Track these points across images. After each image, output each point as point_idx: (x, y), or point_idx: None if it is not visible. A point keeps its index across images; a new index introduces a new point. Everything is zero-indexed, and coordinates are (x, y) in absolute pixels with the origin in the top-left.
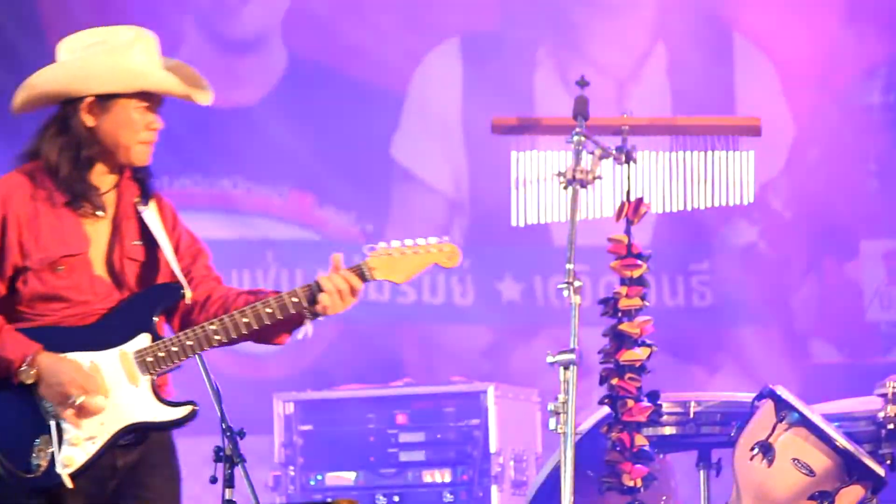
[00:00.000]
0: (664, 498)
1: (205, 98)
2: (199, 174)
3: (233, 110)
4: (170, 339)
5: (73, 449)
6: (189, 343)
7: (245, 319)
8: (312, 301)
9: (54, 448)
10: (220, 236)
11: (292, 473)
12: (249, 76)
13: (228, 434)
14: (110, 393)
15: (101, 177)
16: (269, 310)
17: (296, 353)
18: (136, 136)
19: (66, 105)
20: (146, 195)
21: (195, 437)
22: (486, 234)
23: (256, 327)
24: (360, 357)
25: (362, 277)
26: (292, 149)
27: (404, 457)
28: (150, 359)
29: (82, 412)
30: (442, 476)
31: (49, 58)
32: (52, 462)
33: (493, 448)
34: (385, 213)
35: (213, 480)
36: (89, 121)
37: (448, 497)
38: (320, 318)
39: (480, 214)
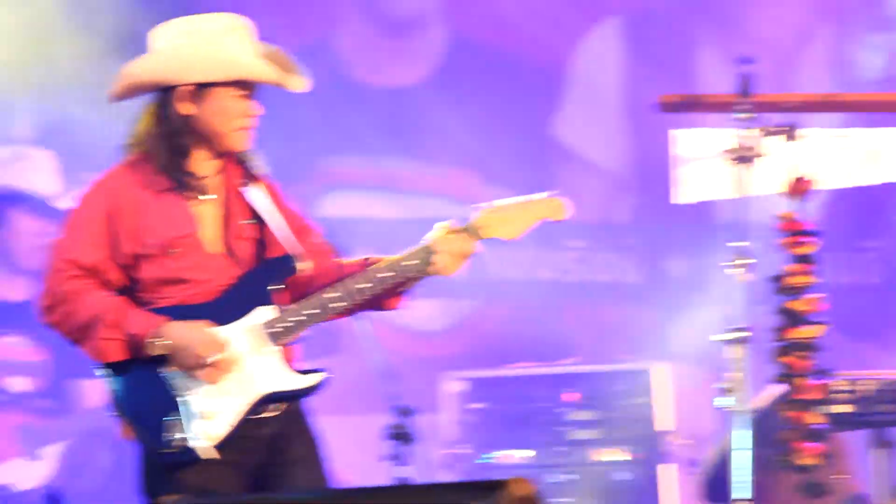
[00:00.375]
0: (840, 476)
1: (298, 84)
2: (364, 154)
3: (396, 90)
4: (291, 309)
5: (207, 423)
6: (312, 312)
7: (361, 285)
8: (427, 263)
9: (187, 423)
10: (384, 215)
11: (463, 451)
12: (412, 55)
13: (400, 412)
14: (240, 365)
15: (202, 162)
16: (383, 274)
17: (466, 332)
18: (232, 122)
19: (163, 93)
20: (251, 177)
21: (368, 416)
22: (650, 212)
23: (374, 292)
24: (528, 336)
25: (473, 237)
26: (455, 128)
27: (575, 435)
28: (275, 330)
29: (215, 379)
30: (615, 454)
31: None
32: (188, 436)
33: (664, 426)
34: (549, 191)
35: (385, 458)
36: (185, 109)
37: (620, 476)
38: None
39: (645, 193)
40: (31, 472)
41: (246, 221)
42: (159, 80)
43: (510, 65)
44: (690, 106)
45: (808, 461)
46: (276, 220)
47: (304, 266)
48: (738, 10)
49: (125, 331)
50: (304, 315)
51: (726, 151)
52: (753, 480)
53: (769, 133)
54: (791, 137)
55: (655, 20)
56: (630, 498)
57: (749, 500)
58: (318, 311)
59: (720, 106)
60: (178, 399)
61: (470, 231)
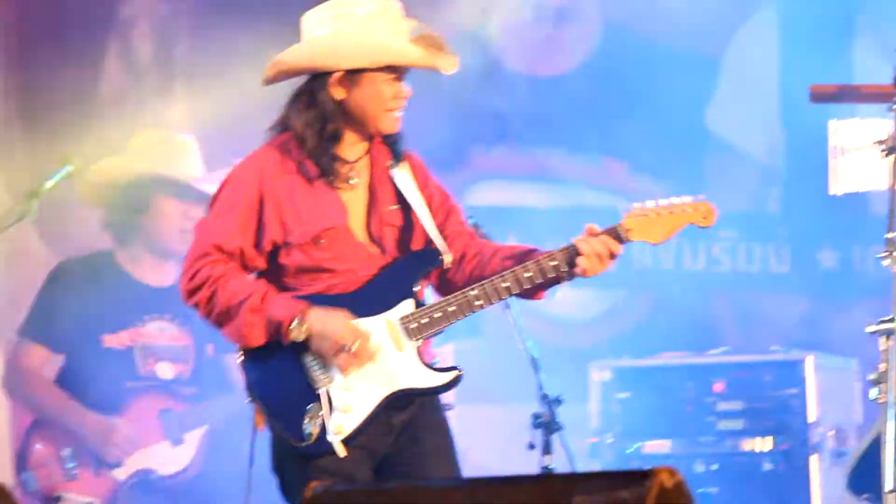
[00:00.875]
0: None
1: (449, 65)
2: (516, 141)
3: (549, 78)
4: (432, 306)
5: (344, 416)
6: (451, 309)
7: (505, 284)
8: (571, 264)
9: (325, 415)
10: (535, 204)
11: (609, 441)
12: (565, 44)
13: (546, 401)
14: (377, 359)
15: (350, 147)
16: (528, 274)
17: (612, 322)
18: (384, 105)
19: (315, 79)
20: (397, 157)
21: (514, 405)
22: (803, 203)
23: (516, 291)
24: (676, 325)
25: (618, 239)
26: (607, 117)
27: (722, 425)
28: (414, 325)
29: (353, 369)
30: (761, 445)
31: None
32: (323, 429)
33: (812, 418)
34: (699, 181)
35: (532, 447)
36: (338, 94)
37: (767, 466)
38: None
39: (797, 183)
40: (175, 457)
41: (392, 207)
42: (312, 66)
43: (663, 54)
44: (843, 96)
45: None
46: (421, 204)
47: (450, 259)
48: None
49: (267, 315)
50: (445, 312)
51: (881, 142)
52: None
53: None
54: None
55: (811, 9)
56: (777, 488)
57: (892, 491)
58: (460, 308)
59: (875, 96)
60: (315, 390)
61: (616, 233)
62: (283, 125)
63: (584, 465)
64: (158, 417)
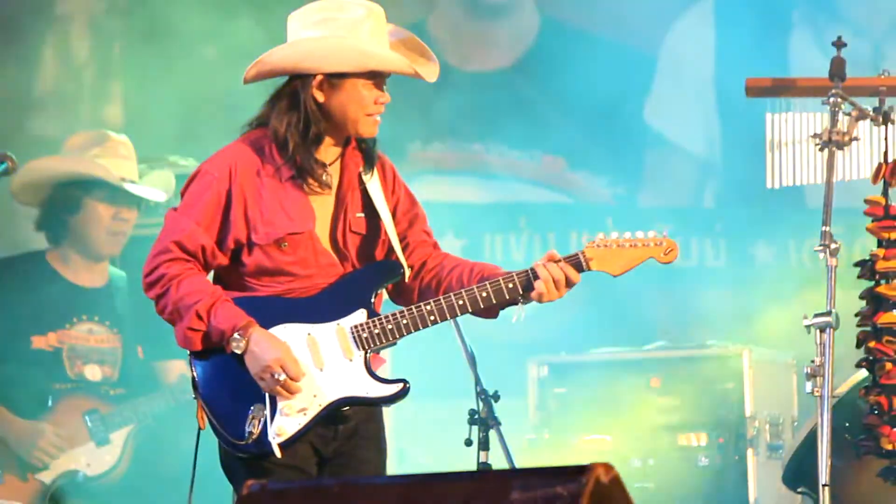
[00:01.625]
0: None
1: (430, 73)
2: (452, 138)
3: (486, 73)
4: (385, 317)
5: (286, 419)
6: (404, 322)
7: (461, 302)
8: (528, 288)
9: (267, 417)
10: (472, 200)
11: (547, 436)
12: (502, 39)
13: (483, 397)
14: (325, 366)
15: (327, 149)
16: (484, 294)
17: (549, 317)
18: (365, 109)
19: (296, 80)
20: (370, 164)
21: (451, 400)
22: (739, 197)
23: (471, 310)
24: (613, 321)
25: (578, 268)
26: (544, 112)
27: (659, 420)
28: (365, 335)
29: (280, 393)
30: (697, 440)
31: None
32: (264, 431)
33: (748, 412)
34: (637, 176)
35: (469, 443)
36: (319, 97)
37: (703, 461)
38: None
39: (733, 177)
40: (101, 457)
41: (359, 215)
42: (294, 68)
43: (600, 49)
44: (780, 90)
45: (893, 446)
46: (388, 213)
47: (409, 273)
48: None
49: (210, 323)
50: (397, 324)
51: (817, 136)
52: (835, 466)
53: (861, 117)
54: (883, 122)
55: (747, 3)
56: (714, 482)
57: (826, 485)
58: (413, 322)
59: (811, 90)
60: (261, 392)
61: (576, 261)
62: (259, 123)
63: (522, 461)
64: (83, 418)
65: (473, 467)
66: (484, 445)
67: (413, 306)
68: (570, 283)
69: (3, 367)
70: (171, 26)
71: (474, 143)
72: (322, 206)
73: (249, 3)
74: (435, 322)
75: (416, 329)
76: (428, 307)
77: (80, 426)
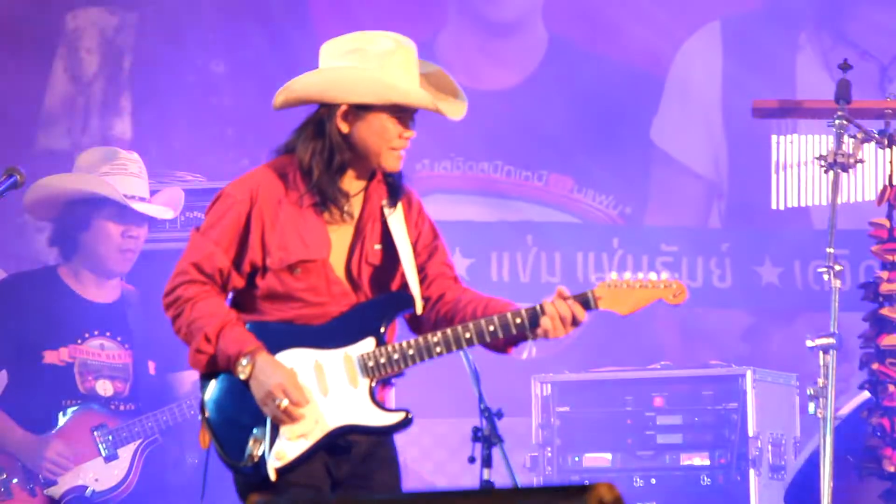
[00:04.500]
0: None
1: (456, 112)
2: (460, 157)
3: (493, 93)
4: (392, 347)
5: (288, 444)
6: (410, 353)
7: (467, 335)
8: (534, 323)
9: (266, 442)
10: (479, 219)
11: (549, 454)
12: (510, 58)
13: (487, 415)
14: (329, 392)
15: (352, 180)
16: (491, 328)
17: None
18: (388, 143)
19: (323, 109)
20: (394, 197)
21: (455, 419)
22: (745, 218)
23: (477, 343)
24: (616, 340)
25: (586, 305)
26: (552, 132)
27: (661, 439)
28: (371, 363)
29: (283, 422)
30: (700, 459)
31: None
32: (263, 454)
33: (751, 432)
34: (644, 196)
35: (472, 460)
36: (343, 127)
37: (705, 480)
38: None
39: (740, 198)
40: (109, 473)
41: (377, 246)
42: (319, 97)
43: (610, 69)
44: (786, 112)
45: (894, 469)
46: (407, 248)
47: (421, 307)
48: (837, 15)
49: (218, 347)
50: (403, 354)
51: (822, 157)
52: (838, 487)
53: (866, 139)
54: (888, 145)
55: (755, 25)
56: (716, 503)
57: None
58: (419, 352)
59: (817, 112)
60: (263, 415)
61: (585, 299)
62: (287, 149)
63: (525, 479)
64: (92, 433)
65: (477, 485)
66: (487, 463)
67: (420, 337)
68: (576, 322)
69: (14, 381)
70: (180, 41)
71: (481, 162)
72: (340, 235)
73: (259, 19)
74: (441, 354)
75: (422, 359)
76: (434, 338)
77: (89, 441)
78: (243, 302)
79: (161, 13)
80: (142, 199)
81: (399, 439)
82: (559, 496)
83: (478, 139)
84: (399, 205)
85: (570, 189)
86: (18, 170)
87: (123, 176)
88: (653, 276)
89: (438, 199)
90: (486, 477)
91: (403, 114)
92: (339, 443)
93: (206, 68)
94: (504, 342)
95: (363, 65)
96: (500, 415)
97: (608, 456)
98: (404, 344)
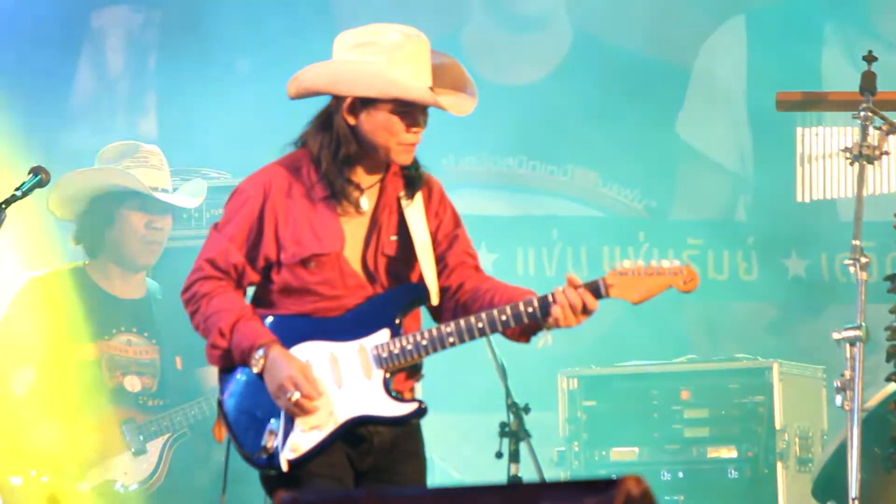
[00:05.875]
0: None
1: (463, 108)
2: (485, 151)
3: (518, 87)
4: (406, 338)
5: (302, 436)
6: (423, 343)
7: (480, 325)
8: (545, 313)
9: (280, 434)
10: (505, 213)
11: (576, 449)
12: (535, 53)
13: (514, 410)
14: (343, 384)
15: (364, 173)
16: (503, 318)
17: (580, 330)
18: (395, 138)
19: (333, 101)
20: (411, 188)
21: (482, 414)
22: (771, 211)
23: (490, 333)
24: (643, 334)
25: (597, 294)
26: (577, 126)
27: (688, 433)
28: (384, 354)
29: (300, 407)
30: (727, 452)
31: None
32: (277, 446)
33: (778, 425)
34: (669, 189)
35: (499, 455)
36: (350, 120)
37: (733, 474)
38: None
39: (765, 191)
40: (138, 467)
41: (393, 238)
42: (327, 89)
43: (634, 63)
44: (810, 104)
45: None
46: (425, 238)
47: (436, 299)
48: (862, 6)
49: (231, 342)
50: (416, 345)
51: (847, 150)
52: (864, 479)
53: (891, 131)
54: None
55: (780, 17)
56: (743, 496)
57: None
58: (432, 343)
59: (841, 104)
60: (277, 410)
61: (595, 287)
62: (302, 142)
63: (552, 474)
64: (120, 428)
65: (504, 480)
66: (514, 458)
67: (434, 327)
68: (587, 310)
69: (41, 377)
70: (205, 39)
71: (507, 156)
72: (355, 227)
73: (284, 17)
74: (454, 344)
75: (435, 350)
76: (448, 329)
77: (118, 436)
78: (262, 297)
79: (185, 11)
80: (164, 191)
81: (426, 434)
82: (587, 491)
83: (503, 134)
84: (419, 195)
85: (595, 183)
86: (44, 169)
87: (145, 168)
88: (665, 263)
89: (463, 194)
90: (513, 472)
91: (410, 108)
92: (360, 434)
93: (232, 66)
94: (520, 332)
95: (371, 58)
96: (527, 409)
97: (635, 450)
98: (418, 335)
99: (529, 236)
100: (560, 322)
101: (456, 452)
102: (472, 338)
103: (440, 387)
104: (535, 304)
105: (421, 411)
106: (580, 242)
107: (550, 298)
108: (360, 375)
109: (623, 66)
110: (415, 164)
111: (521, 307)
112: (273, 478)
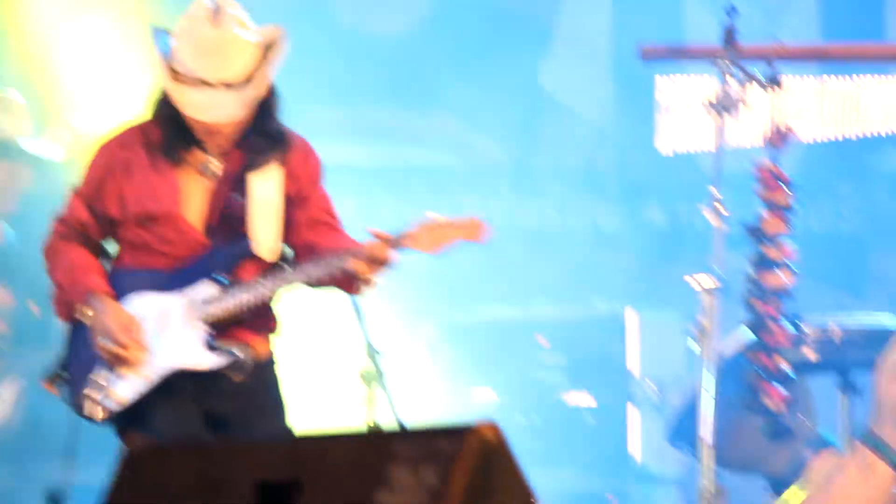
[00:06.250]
0: (804, 420)
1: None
2: (350, 101)
3: (382, 37)
4: (227, 290)
5: (123, 385)
6: (243, 296)
7: (294, 276)
8: (348, 263)
9: (104, 382)
10: (369, 164)
11: (435, 392)
12: (401, 3)
13: (372, 354)
14: (166, 335)
15: (211, 133)
16: (317, 269)
17: (440, 276)
18: (192, 114)
19: None
20: (265, 150)
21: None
22: (632, 160)
23: (305, 283)
24: (504, 280)
25: (394, 245)
26: (442, 76)
27: (545, 378)
28: (204, 306)
29: (118, 358)
30: (584, 398)
31: None
32: (102, 395)
33: (634, 371)
34: (533, 139)
35: (356, 401)
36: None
37: (589, 419)
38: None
39: (627, 140)
40: None
41: (238, 197)
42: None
43: (498, 13)
44: (673, 56)
45: (774, 405)
46: (267, 197)
47: (262, 251)
48: None
49: (67, 295)
50: (235, 297)
51: (708, 101)
52: (720, 424)
53: (751, 83)
54: (773, 88)
55: None
56: (599, 441)
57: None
58: (250, 295)
59: (703, 56)
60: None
61: (392, 241)
62: (150, 104)
63: (410, 418)
64: None
65: (362, 425)
66: (373, 403)
67: (252, 281)
68: (384, 261)
69: None
70: None
71: (371, 106)
72: (194, 186)
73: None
74: (272, 297)
75: (255, 303)
76: (265, 281)
77: None
78: (117, 252)
79: None
80: (25, 139)
81: (287, 382)
82: (442, 436)
83: (368, 84)
84: (272, 155)
85: (457, 133)
86: None
87: (5, 115)
88: (454, 217)
89: (327, 145)
90: (371, 418)
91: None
92: (209, 383)
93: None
94: (339, 281)
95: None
96: (384, 354)
97: (493, 393)
98: (237, 288)
99: (393, 187)
100: (360, 274)
101: (313, 398)
102: (286, 285)
103: (297, 331)
104: (340, 256)
105: (238, 364)
106: (441, 192)
107: (354, 251)
108: (181, 327)
109: (487, 17)
110: (276, 123)
111: (332, 260)
112: (123, 423)
